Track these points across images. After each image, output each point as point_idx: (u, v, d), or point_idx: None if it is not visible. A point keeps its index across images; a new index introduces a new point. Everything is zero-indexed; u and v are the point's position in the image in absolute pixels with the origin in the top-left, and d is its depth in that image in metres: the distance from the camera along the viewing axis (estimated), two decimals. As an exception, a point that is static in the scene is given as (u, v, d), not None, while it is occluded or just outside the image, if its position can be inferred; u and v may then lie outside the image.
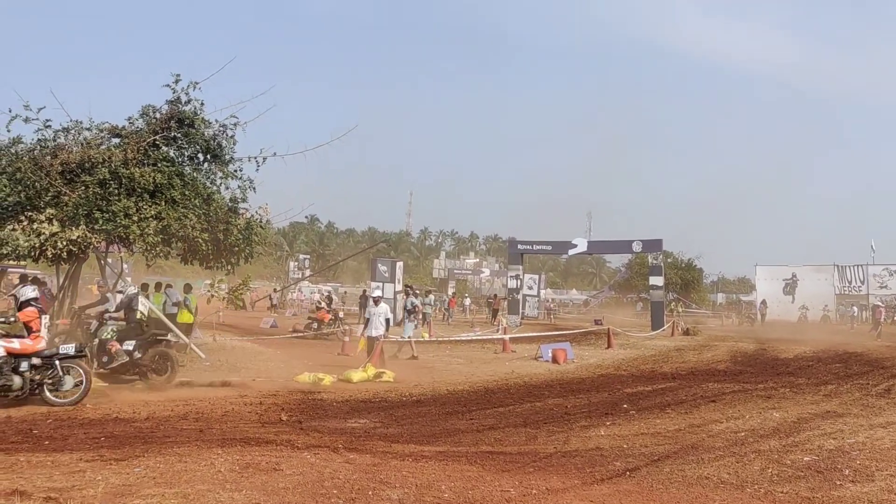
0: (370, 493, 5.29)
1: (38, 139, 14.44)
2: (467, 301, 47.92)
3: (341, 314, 27.08)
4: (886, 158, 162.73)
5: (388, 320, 15.76)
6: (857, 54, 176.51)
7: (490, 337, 23.61)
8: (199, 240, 14.43)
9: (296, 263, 70.92)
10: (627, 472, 6.37)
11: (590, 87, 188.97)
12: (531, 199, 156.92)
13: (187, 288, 18.12)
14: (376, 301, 16.36)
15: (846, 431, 8.50)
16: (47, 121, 14.38)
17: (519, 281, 36.67)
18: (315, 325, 24.22)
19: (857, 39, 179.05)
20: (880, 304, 36.68)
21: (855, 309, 42.56)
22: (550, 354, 17.51)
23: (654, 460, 6.87)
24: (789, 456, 7.12)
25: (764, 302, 46.24)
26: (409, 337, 18.19)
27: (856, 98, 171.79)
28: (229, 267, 15.93)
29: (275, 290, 45.67)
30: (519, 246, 38.11)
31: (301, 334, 23.71)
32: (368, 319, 16.03)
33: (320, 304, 27.72)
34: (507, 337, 21.76)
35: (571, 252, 38.53)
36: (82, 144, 14.36)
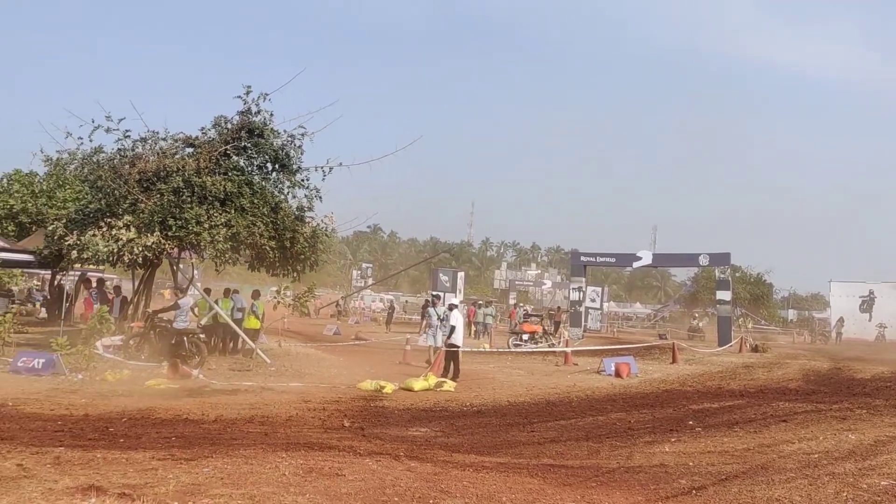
0: (431, 501, 5.30)
1: (118, 149, 15.09)
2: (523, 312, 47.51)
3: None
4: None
5: (454, 328, 15.69)
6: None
7: (552, 349, 23.38)
8: (267, 247, 14.81)
9: (359, 272, 71.90)
10: (693, 491, 6.21)
11: (656, 98, 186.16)
12: (595, 210, 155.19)
13: (255, 294, 18.56)
14: (451, 308, 16.42)
15: (927, 456, 8.08)
16: (127, 131, 15.03)
17: (581, 293, 36.24)
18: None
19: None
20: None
21: (937, 329, 40.51)
22: (613, 368, 17.22)
23: (721, 479, 6.68)
24: (865, 480, 6.81)
25: (841, 319, 44.41)
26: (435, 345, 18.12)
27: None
28: (295, 274, 16.27)
29: (342, 298, 46.38)
30: (582, 258, 37.69)
31: (363, 342, 24.00)
32: (437, 327, 15.94)
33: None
34: (569, 349, 21.52)
35: (636, 265, 37.87)
36: (158, 154, 14.94)
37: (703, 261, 34.31)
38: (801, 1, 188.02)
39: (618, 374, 16.86)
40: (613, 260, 38.57)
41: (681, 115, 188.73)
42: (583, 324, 36.04)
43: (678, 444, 8.58)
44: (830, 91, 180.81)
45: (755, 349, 29.16)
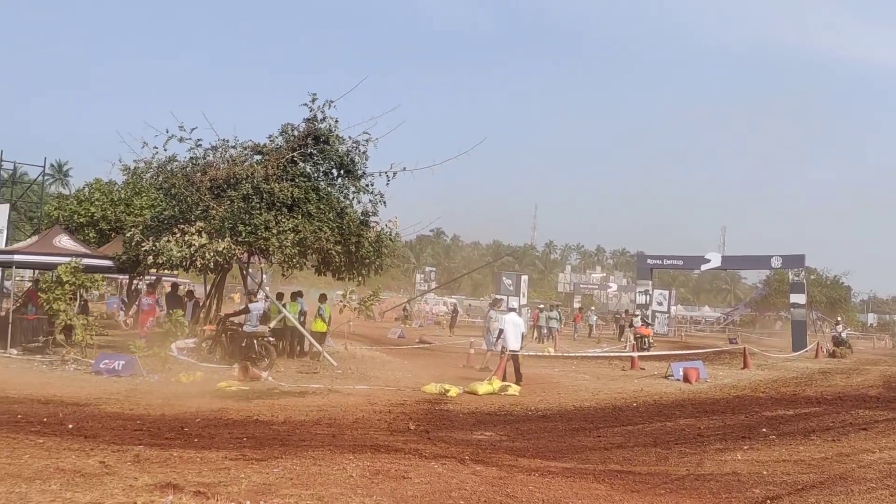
0: (497, 505, 5.30)
1: (191, 157, 15.59)
2: (593, 317, 46.99)
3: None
4: None
5: (523, 334, 15.65)
6: None
7: (618, 354, 23.04)
8: (333, 252, 15.06)
9: (422, 275, 72.35)
10: (767, 501, 6.02)
11: (723, 97, 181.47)
12: (662, 212, 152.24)
13: (322, 298, 18.88)
14: (512, 311, 16.42)
15: None
16: (198, 140, 15.52)
17: (648, 296, 35.63)
18: None
19: None
20: None
21: None
22: (682, 373, 16.84)
23: (797, 489, 6.45)
24: (954, 492, 6.48)
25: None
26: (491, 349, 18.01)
27: None
28: (360, 278, 16.49)
29: (408, 301, 46.79)
30: (648, 260, 37.12)
31: (427, 345, 24.13)
32: (502, 331, 15.85)
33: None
34: (635, 354, 21.16)
35: (704, 267, 37.10)
36: (228, 161, 15.38)
37: (776, 263, 33.32)
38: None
39: (686, 380, 16.48)
40: (681, 262, 37.86)
41: (749, 114, 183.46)
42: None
43: (751, 452, 8.33)
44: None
45: (833, 354, 28.09)
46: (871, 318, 68.66)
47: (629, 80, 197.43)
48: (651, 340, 26.29)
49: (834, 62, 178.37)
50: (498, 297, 21.81)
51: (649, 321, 30.96)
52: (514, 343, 15.24)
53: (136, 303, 15.70)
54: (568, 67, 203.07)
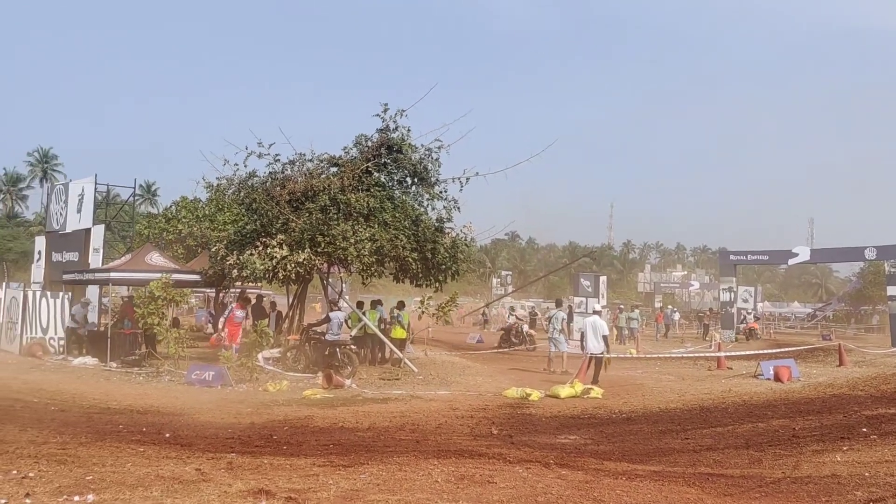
0: (584, 510, 5.23)
1: (269, 172, 16.07)
2: (676, 315, 45.86)
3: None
4: None
5: (605, 336, 15.44)
6: None
7: (703, 353, 22.40)
8: (410, 259, 15.24)
9: (498, 280, 72.19)
10: (871, 503, 5.73)
11: (804, 87, 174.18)
12: (743, 206, 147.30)
13: (400, 305, 19.10)
14: (599, 313, 16.26)
15: None
16: (276, 155, 15.98)
17: (732, 294, 34.52)
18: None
19: None
20: None
21: None
22: (772, 372, 16.22)
23: (903, 492, 6.11)
24: None
25: None
26: (563, 351, 17.72)
27: None
28: (437, 284, 16.61)
29: (487, 306, 46.82)
30: (731, 256, 35.99)
31: (506, 350, 24.07)
32: (583, 334, 15.71)
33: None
34: (722, 353, 20.53)
35: (791, 261, 35.69)
36: (305, 175, 15.78)
37: (870, 254, 31.74)
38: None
39: (777, 379, 15.87)
40: (766, 257, 36.54)
41: (832, 104, 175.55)
42: (735, 325, 34.32)
43: (850, 453, 7.94)
44: None
45: (936, 348, 26.49)
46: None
47: (704, 73, 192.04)
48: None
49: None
50: (559, 300, 21.50)
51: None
52: (592, 345, 15.06)
53: (225, 315, 16.16)
54: (641, 62, 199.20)
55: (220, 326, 16.41)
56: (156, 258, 18.10)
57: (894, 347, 26.79)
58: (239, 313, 15.95)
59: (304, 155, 16.22)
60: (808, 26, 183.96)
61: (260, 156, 15.86)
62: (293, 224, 14.76)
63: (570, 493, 5.74)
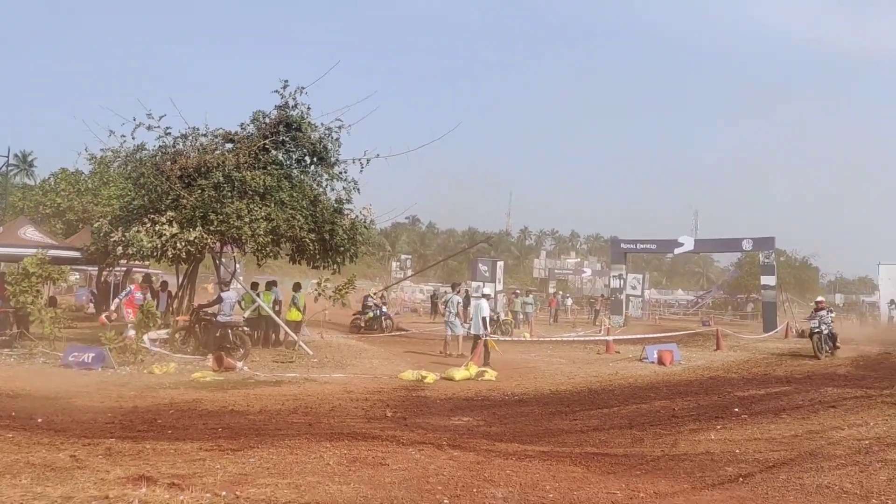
0: (475, 490, 5.31)
1: (160, 146, 15.33)
2: (569, 301, 47.24)
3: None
4: None
5: (484, 318, 15.72)
6: None
7: (593, 338, 23.22)
8: (307, 240, 14.94)
9: (398, 263, 72.15)
10: (740, 479, 6.11)
11: (697, 84, 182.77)
12: (635, 197, 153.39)
13: (296, 287, 18.76)
14: (486, 297, 16.57)
15: None
16: (167, 128, 15.26)
17: (622, 280, 35.91)
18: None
19: None
20: None
21: None
22: (656, 356, 17.02)
23: (768, 467, 6.55)
24: (921, 467, 6.62)
25: (893, 301, 43.23)
26: (459, 334, 18.05)
27: None
28: (335, 266, 16.38)
29: (385, 289, 46.68)
30: (622, 245, 37.35)
31: (403, 332, 24.12)
32: (472, 317, 16.03)
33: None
34: (610, 338, 21.34)
35: (677, 251, 37.42)
36: (199, 150, 15.14)
37: (747, 245, 33.72)
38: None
39: (660, 362, 16.67)
40: (654, 246, 38.15)
41: (719, 97, 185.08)
42: (624, 311, 35.73)
43: (724, 432, 8.45)
44: (878, 68, 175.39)
45: (802, 335, 28.53)
46: (839, 299, 69.82)
47: (600, 64, 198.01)
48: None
49: (812, 48, 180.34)
50: (455, 283, 21.67)
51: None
52: (477, 328, 15.48)
53: (122, 296, 15.30)
54: (541, 52, 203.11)
55: (112, 307, 15.56)
56: (30, 232, 16.98)
57: (766, 333, 28.65)
58: (139, 295, 15.19)
59: (198, 129, 15.56)
60: (696, 24, 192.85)
61: (149, 128, 15.09)
62: (184, 201, 14.15)
63: (462, 473, 5.82)
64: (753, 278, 45.93)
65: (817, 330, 18.99)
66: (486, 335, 15.64)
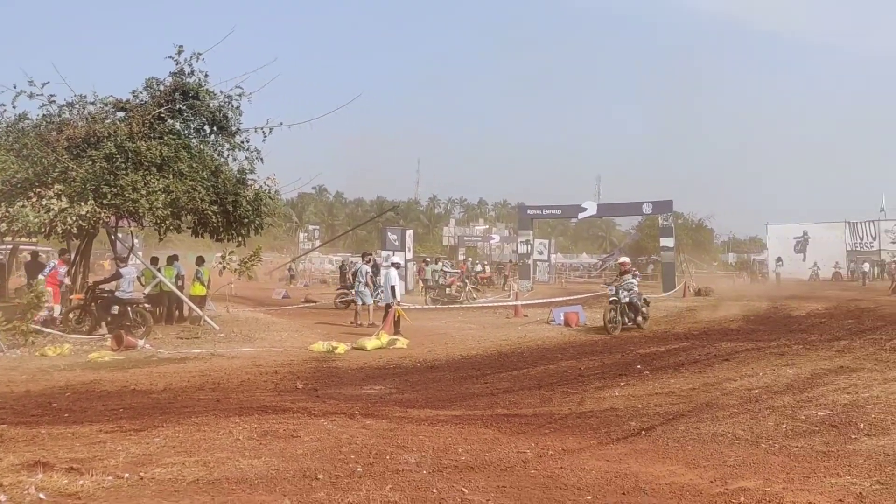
0: (388, 457, 5.32)
1: (43, 115, 14.42)
2: (478, 267, 47.78)
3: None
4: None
5: (393, 287, 15.68)
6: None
7: (502, 303, 23.64)
8: (209, 212, 14.46)
9: (305, 234, 71.06)
10: (643, 432, 6.39)
11: (596, 46, 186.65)
12: (542, 164, 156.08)
13: (199, 261, 18.18)
14: (396, 266, 16.52)
15: (860, 386, 8.48)
16: (51, 96, 14.37)
17: (529, 246, 36.63)
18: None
19: None
20: (894, 260, 36.55)
21: (866, 265, 42.32)
22: (562, 318, 17.53)
23: (668, 419, 6.88)
24: (803, 411, 7.11)
25: (780, 259, 46.00)
26: (369, 304, 18.10)
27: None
28: (240, 238, 15.95)
29: (293, 261, 45.94)
30: (528, 211, 38.03)
31: (313, 304, 23.83)
32: (381, 286, 16.00)
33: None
34: (518, 302, 21.78)
35: (581, 216, 38.49)
36: (87, 119, 14.34)
37: (647, 209, 35.01)
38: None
39: (567, 324, 17.17)
40: (559, 212, 39.05)
41: (620, 66, 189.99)
42: (531, 276, 36.51)
43: (627, 388, 8.80)
44: (762, 36, 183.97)
45: (698, 293, 30.05)
46: (732, 258, 73.71)
47: (509, 31, 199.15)
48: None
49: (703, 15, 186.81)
50: (367, 252, 21.57)
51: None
52: (388, 296, 15.46)
53: (45, 273, 14.30)
54: (450, 20, 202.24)
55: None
56: None
57: (666, 293, 29.95)
58: (63, 270, 14.28)
59: (86, 97, 14.70)
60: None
61: (31, 96, 14.15)
62: (73, 173, 13.37)
63: (375, 441, 5.82)
64: (653, 240, 47.76)
65: (613, 298, 15.68)
66: (396, 304, 15.63)
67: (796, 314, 19.75)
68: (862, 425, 6.49)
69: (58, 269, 14.39)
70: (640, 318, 16.14)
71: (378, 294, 17.83)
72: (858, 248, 47.79)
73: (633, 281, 16.38)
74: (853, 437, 6.13)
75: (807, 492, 4.64)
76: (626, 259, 18.08)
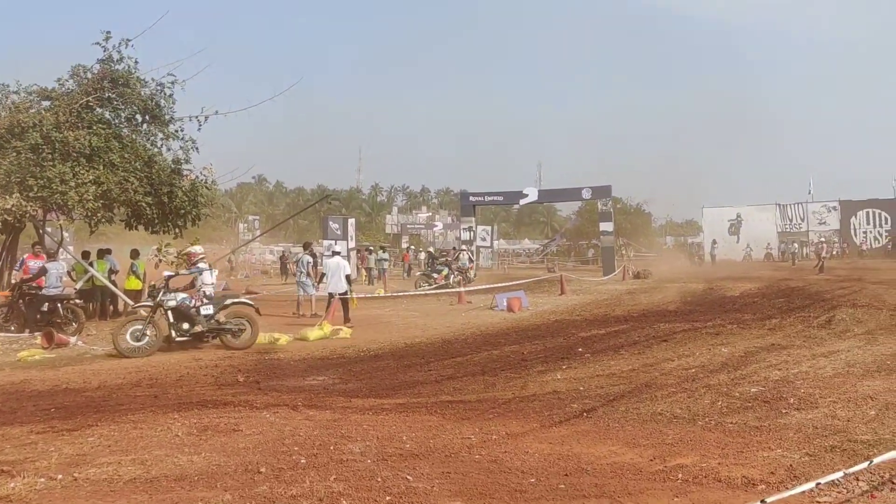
0: (332, 447, 5.29)
1: (-38, 104, 13.76)
2: (422, 255, 47.76)
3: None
4: (823, 98, 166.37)
5: (348, 276, 15.46)
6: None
7: (445, 290, 23.70)
8: (143, 204, 14.09)
9: (245, 225, 69.85)
10: (584, 413, 6.50)
11: (531, 32, 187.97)
12: (481, 150, 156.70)
13: (134, 254, 17.63)
14: (338, 255, 16.31)
15: (790, 362, 8.81)
16: (-31, 84, 13.70)
17: (472, 233, 36.79)
18: None
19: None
20: (823, 240, 38.05)
21: (796, 245, 43.93)
22: (505, 303, 17.68)
23: (609, 400, 7.02)
24: (737, 388, 7.35)
25: (715, 242, 47.34)
26: (311, 294, 17.90)
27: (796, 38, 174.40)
28: (176, 230, 15.57)
29: (232, 252, 45.04)
30: (471, 198, 38.16)
31: (255, 295, 23.41)
32: (324, 275, 15.74)
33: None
34: (462, 289, 21.87)
35: (523, 202, 38.88)
36: (10, 109, 13.77)
37: (586, 194, 35.51)
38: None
39: (510, 309, 17.33)
40: (501, 198, 39.32)
41: (564, 54, 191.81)
42: (475, 262, 36.69)
43: (569, 371, 8.93)
44: (692, 14, 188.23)
45: (637, 276, 30.72)
46: (670, 241, 75.57)
47: (446, 17, 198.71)
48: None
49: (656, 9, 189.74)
50: (307, 242, 21.25)
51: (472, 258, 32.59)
52: (338, 286, 15.18)
53: (17, 269, 13.52)
54: (386, 6, 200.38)
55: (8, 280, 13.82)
56: None
57: (605, 276, 30.52)
58: (33, 264, 13.57)
59: (8, 86, 14.10)
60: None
61: (-53, 84, 13.51)
62: (-4, 165, 12.83)
63: (318, 432, 5.77)
64: (593, 225, 48.57)
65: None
66: (348, 292, 15.42)
67: (730, 294, 20.37)
68: (792, 400, 6.75)
69: (27, 263, 13.73)
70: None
71: (316, 284, 17.59)
72: (788, 230, 49.57)
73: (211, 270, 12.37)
74: (784, 411, 6.36)
75: (741, 466, 4.80)
76: (197, 249, 12.58)
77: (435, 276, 25.71)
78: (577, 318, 15.49)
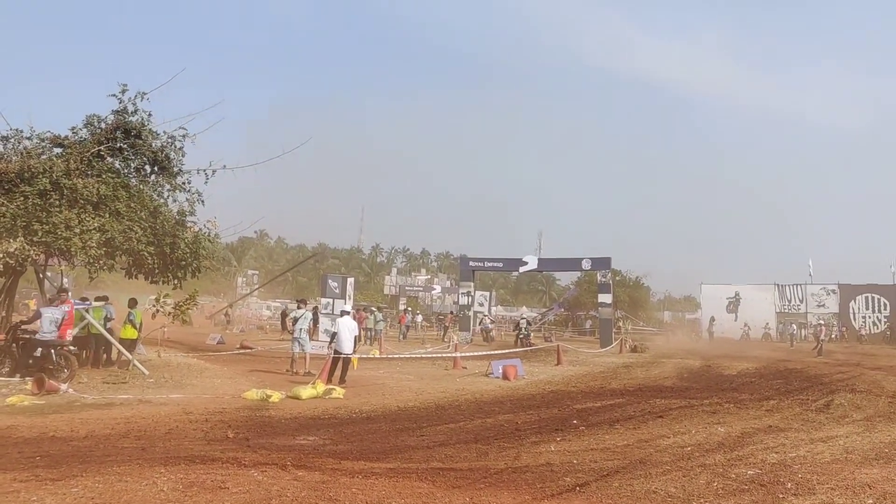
0: (319, 510, 5.19)
1: (-26, 147, 13.98)
2: (419, 318, 47.70)
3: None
4: (827, 179, 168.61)
5: (356, 337, 15.38)
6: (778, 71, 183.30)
7: (441, 354, 23.55)
8: (145, 253, 14.14)
9: (244, 279, 69.83)
10: (577, 487, 6.39)
11: (540, 106, 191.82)
12: (483, 217, 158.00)
13: (132, 303, 17.61)
14: (346, 315, 16.23)
15: (788, 445, 8.71)
16: (-18, 129, 13.96)
17: (470, 297, 36.78)
18: None
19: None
20: (822, 322, 38.02)
21: (794, 326, 43.85)
22: (501, 371, 17.54)
23: (603, 475, 6.91)
24: (734, 470, 7.24)
25: (713, 318, 47.28)
26: (307, 352, 17.74)
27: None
28: (176, 281, 15.59)
29: (230, 306, 44.95)
30: (470, 263, 38.31)
31: (248, 350, 23.25)
32: (335, 334, 15.59)
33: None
34: (458, 354, 21.73)
35: (522, 269, 38.99)
36: (22, 154, 13.97)
37: (586, 265, 35.65)
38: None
39: (505, 377, 17.19)
40: (501, 265, 39.49)
41: (565, 125, 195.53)
42: (471, 328, 36.56)
43: (563, 443, 8.81)
44: (696, 97, 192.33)
45: (634, 349, 30.57)
46: (668, 316, 75.41)
47: (457, 81, 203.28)
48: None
49: (646, 78, 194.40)
50: (300, 299, 21.17)
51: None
52: (347, 346, 15.12)
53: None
54: (391, 62, 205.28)
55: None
56: None
57: (603, 348, 30.36)
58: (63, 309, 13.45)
59: (22, 132, 14.34)
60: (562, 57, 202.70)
61: (-39, 127, 13.74)
62: (3, 208, 12.93)
63: (306, 494, 5.67)
64: (592, 296, 48.56)
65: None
66: (352, 353, 15.35)
67: (727, 373, 20.23)
68: (789, 485, 6.64)
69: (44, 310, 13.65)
70: None
71: (317, 342, 17.49)
72: (787, 311, 49.57)
73: None
74: (781, 496, 6.26)
75: (735, 550, 4.70)
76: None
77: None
78: (572, 390, 15.35)
